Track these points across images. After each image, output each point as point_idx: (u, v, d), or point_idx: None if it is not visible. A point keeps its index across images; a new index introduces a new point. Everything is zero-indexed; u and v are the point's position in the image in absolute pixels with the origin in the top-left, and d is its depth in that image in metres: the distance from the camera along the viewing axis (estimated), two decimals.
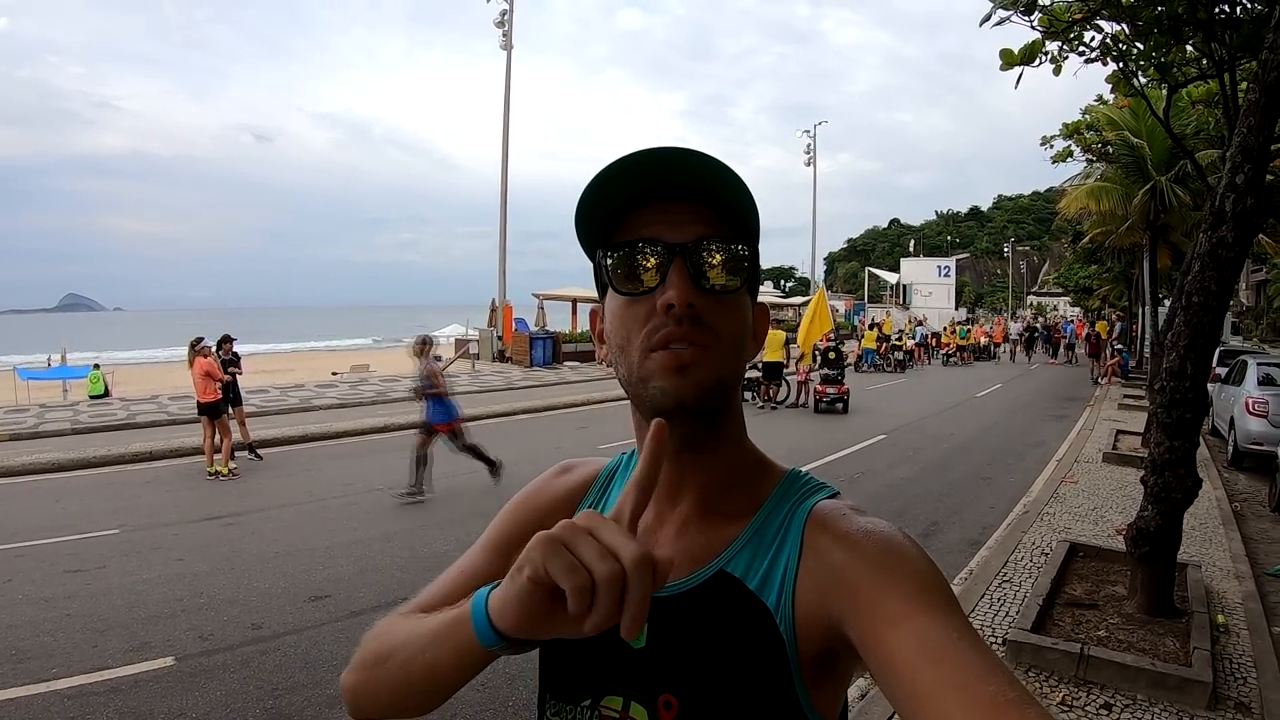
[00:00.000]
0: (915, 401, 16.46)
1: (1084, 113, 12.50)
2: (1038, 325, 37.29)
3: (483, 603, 0.59)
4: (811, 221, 42.18)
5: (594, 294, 0.75)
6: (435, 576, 0.84)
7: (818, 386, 14.64)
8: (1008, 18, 5.30)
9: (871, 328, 27.41)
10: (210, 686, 3.88)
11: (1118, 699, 3.68)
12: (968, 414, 14.68)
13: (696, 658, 0.69)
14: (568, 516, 0.55)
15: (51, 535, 6.52)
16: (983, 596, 5.05)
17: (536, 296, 26.47)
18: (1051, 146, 11.40)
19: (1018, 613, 4.60)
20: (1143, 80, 6.53)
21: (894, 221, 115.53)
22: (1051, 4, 5.37)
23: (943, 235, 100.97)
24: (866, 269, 73.05)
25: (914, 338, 28.66)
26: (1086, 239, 20.06)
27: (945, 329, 30.86)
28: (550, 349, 23.25)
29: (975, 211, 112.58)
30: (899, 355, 25.35)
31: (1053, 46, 5.59)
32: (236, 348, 10.78)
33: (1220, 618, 4.63)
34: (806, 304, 17.11)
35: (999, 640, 4.30)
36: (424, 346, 8.01)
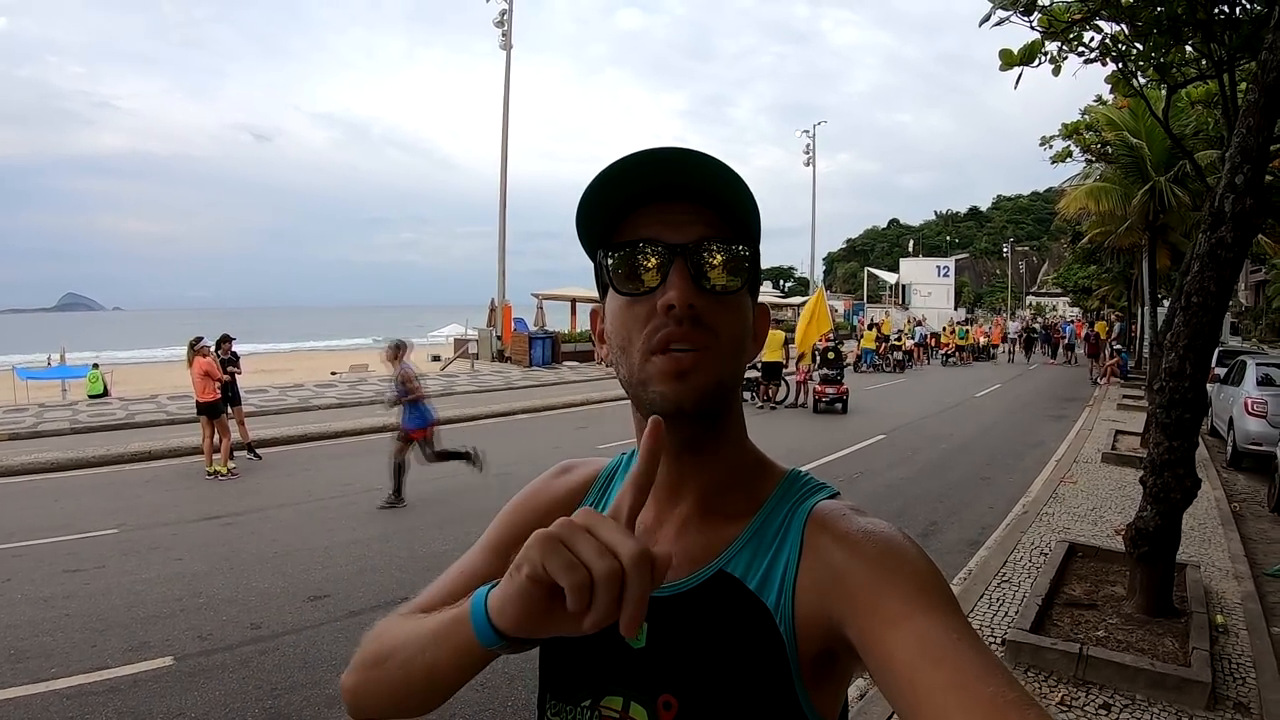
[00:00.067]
0: (914, 402, 16.47)
1: (1083, 113, 12.51)
2: (1036, 325, 37.30)
3: (482, 602, 0.59)
4: (811, 221, 42.24)
5: (594, 294, 0.75)
6: (434, 576, 0.84)
7: (817, 386, 14.64)
8: (1007, 18, 5.30)
9: (870, 328, 27.40)
10: (209, 686, 3.88)
11: (1117, 699, 3.68)
12: (967, 414, 14.69)
13: (696, 658, 0.69)
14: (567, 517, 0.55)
15: (50, 535, 6.51)
16: (981, 597, 5.05)
17: (536, 296, 26.46)
18: (1051, 147, 11.41)
19: (1017, 613, 4.60)
20: (1142, 81, 6.54)
21: (893, 222, 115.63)
22: (1051, 4, 5.37)
23: (942, 235, 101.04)
24: (865, 269, 73.04)
25: (913, 338, 28.66)
26: (1086, 239, 20.08)
27: (944, 329, 30.86)
28: (549, 349, 23.24)
29: (974, 212, 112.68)
30: (898, 355, 25.35)
31: (1052, 47, 5.60)
32: (235, 347, 10.77)
33: (1219, 618, 4.64)
34: (805, 304, 17.09)
35: (998, 640, 4.30)
36: (397, 351, 7.73)
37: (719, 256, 0.68)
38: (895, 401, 16.53)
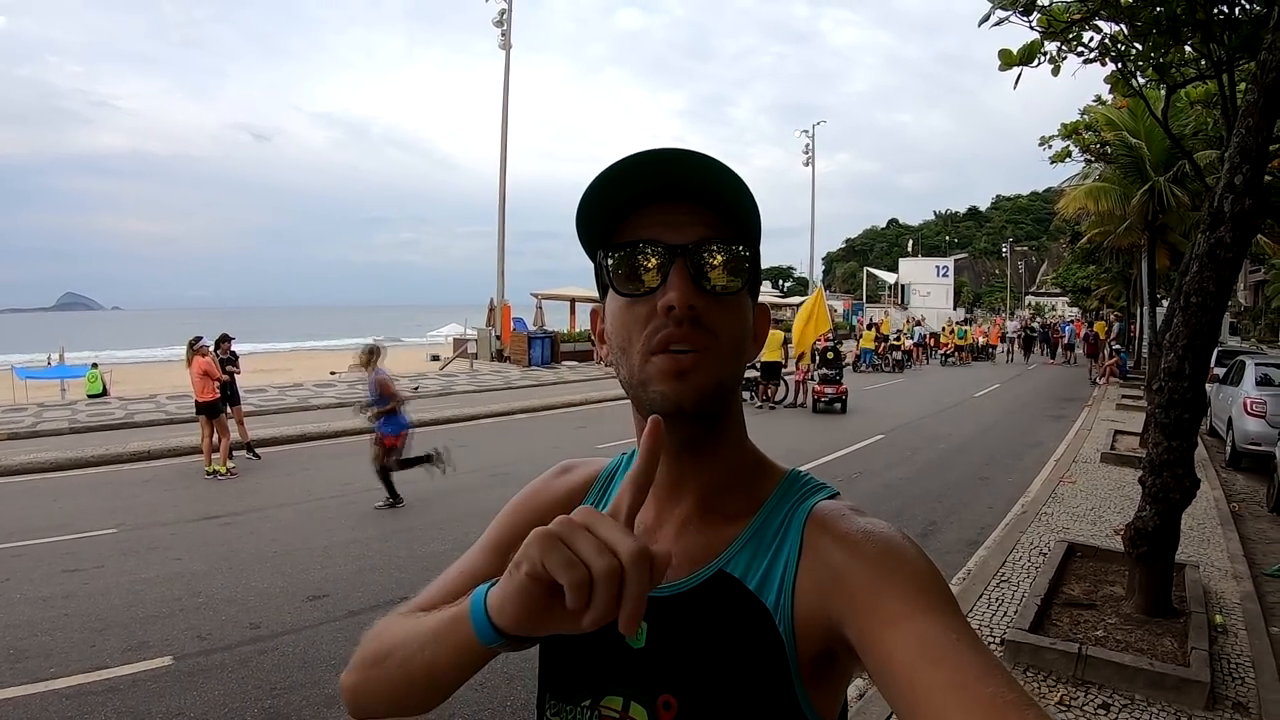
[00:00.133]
0: (913, 402, 16.47)
1: (1082, 113, 12.52)
2: (1034, 325, 37.31)
3: (481, 600, 0.59)
4: (810, 221, 42.25)
5: (593, 293, 0.75)
6: (434, 576, 0.84)
7: (816, 386, 14.64)
8: (1006, 18, 5.31)
9: (869, 328, 27.45)
10: (208, 686, 3.87)
11: (1116, 699, 3.68)
12: (966, 414, 14.69)
13: (696, 658, 0.69)
14: None
15: (49, 535, 6.51)
16: (980, 597, 5.06)
17: (535, 296, 26.46)
18: (1050, 147, 11.41)
19: (1016, 613, 4.61)
20: (1141, 81, 6.55)
21: (892, 221, 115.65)
22: (1050, 4, 5.38)
23: (941, 235, 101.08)
24: (865, 269, 73.07)
25: (912, 338, 28.67)
26: (1085, 239, 20.08)
27: (943, 329, 30.88)
28: (548, 348, 23.24)
29: (974, 212, 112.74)
30: (897, 355, 25.36)
31: (1051, 47, 5.61)
32: (235, 347, 10.77)
33: (1218, 618, 4.64)
34: (803, 304, 17.08)
35: (997, 640, 4.30)
36: (371, 357, 7.53)
37: (719, 257, 0.68)
38: (894, 401, 16.53)
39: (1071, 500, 7.72)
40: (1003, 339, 32.74)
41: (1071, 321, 41.71)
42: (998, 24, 5.34)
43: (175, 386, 16.41)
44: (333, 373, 22.26)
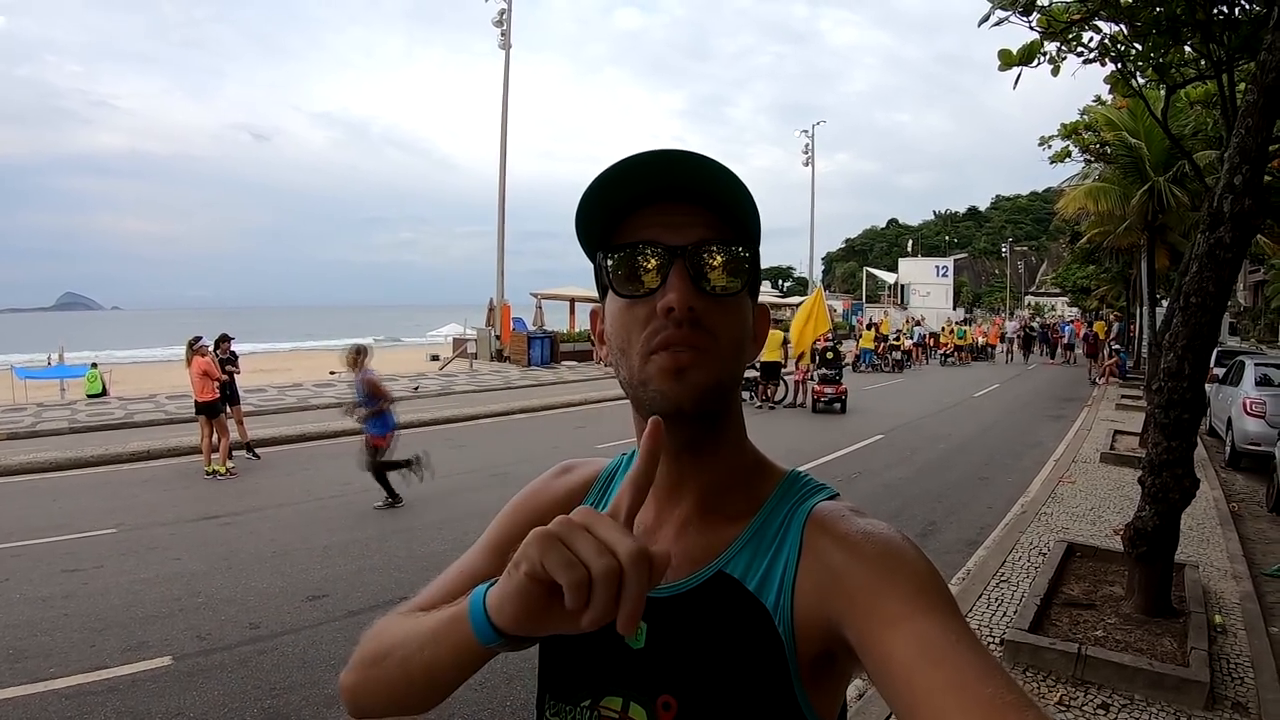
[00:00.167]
0: (913, 402, 16.48)
1: (1082, 113, 12.53)
2: (1034, 325, 37.31)
3: (480, 600, 0.59)
4: (810, 221, 42.26)
5: (592, 293, 0.76)
6: (433, 576, 0.84)
7: (815, 386, 14.65)
8: (1006, 18, 5.31)
9: (869, 328, 27.45)
10: (208, 686, 3.87)
11: (1115, 699, 3.69)
12: (965, 414, 14.70)
13: (695, 659, 0.69)
14: None
15: (48, 534, 6.50)
16: (980, 596, 5.06)
17: (534, 296, 26.46)
18: (1050, 147, 11.43)
19: (1015, 613, 4.61)
20: (1141, 81, 6.55)
21: (892, 221, 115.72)
22: (1050, 4, 5.38)
23: (941, 235, 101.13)
24: (864, 269, 73.11)
25: (911, 338, 28.68)
26: (1084, 239, 20.11)
27: (943, 329, 30.89)
28: (548, 348, 23.24)
29: (973, 211, 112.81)
30: (896, 355, 25.38)
31: (1051, 47, 5.61)
32: (234, 347, 10.77)
33: (1217, 618, 4.64)
34: (802, 303, 17.06)
35: (996, 640, 4.30)
36: (358, 356, 7.47)
37: (719, 258, 0.68)
38: (893, 401, 16.54)
39: (1071, 500, 7.73)
40: (1002, 339, 32.74)
41: (1071, 321, 41.70)
42: (997, 24, 5.34)
43: (175, 386, 16.40)
44: (332, 372, 22.23)
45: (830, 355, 14.76)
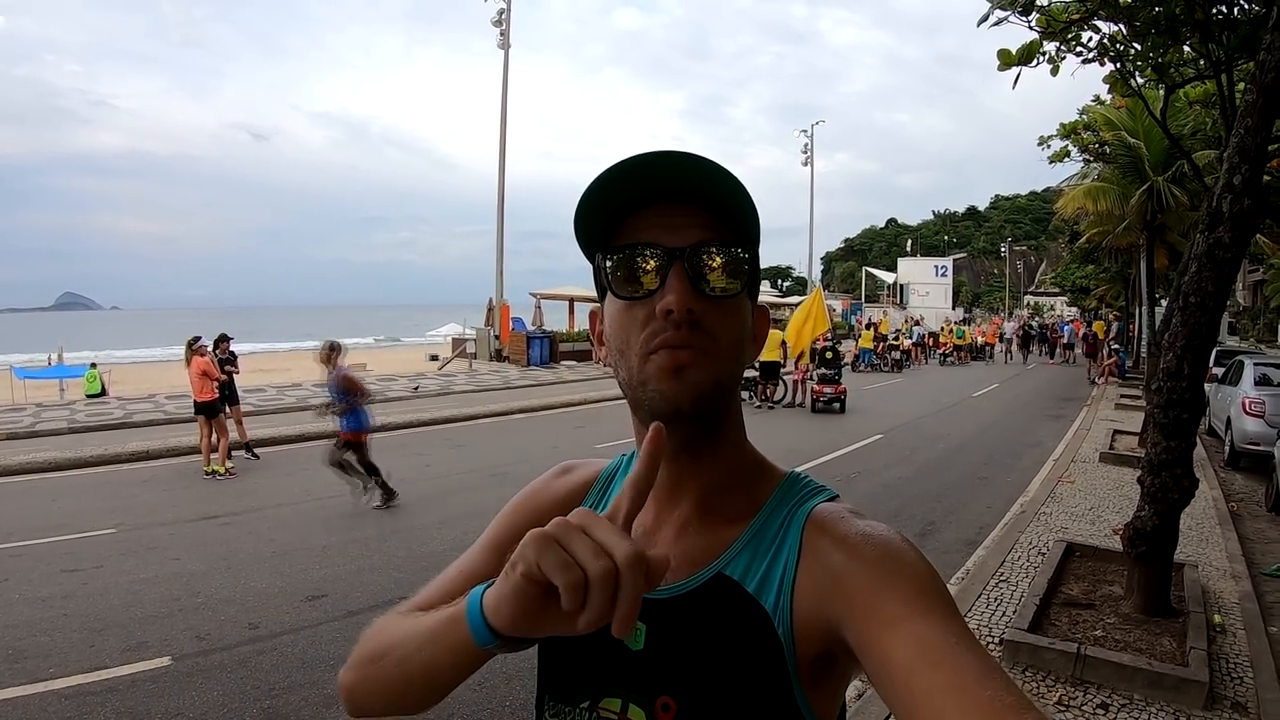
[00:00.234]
0: (912, 401, 16.48)
1: (1081, 113, 12.56)
2: (1032, 324, 37.32)
3: (478, 601, 0.60)
4: (809, 221, 42.28)
5: (592, 293, 0.76)
6: (432, 576, 0.84)
7: (815, 386, 14.65)
8: (1005, 18, 5.31)
9: (868, 327, 27.47)
10: (207, 686, 3.87)
11: (1114, 699, 3.69)
12: (964, 414, 14.70)
13: (695, 660, 0.69)
14: None
15: (48, 535, 6.50)
16: (979, 596, 5.06)
17: (534, 296, 26.47)
18: (1049, 147, 11.45)
19: (1014, 612, 4.61)
20: (1140, 80, 6.56)
21: (891, 221, 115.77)
22: (1049, 4, 5.38)
23: (940, 235, 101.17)
24: (863, 269, 73.16)
25: (910, 337, 28.70)
26: (1084, 239, 20.14)
27: (942, 329, 30.90)
28: (547, 348, 23.25)
29: (972, 211, 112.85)
30: (896, 355, 25.39)
31: (1050, 47, 5.61)
32: (233, 347, 10.77)
33: (1217, 617, 4.64)
34: (801, 303, 17.04)
35: (996, 640, 4.30)
36: (331, 354, 7.43)
37: (718, 260, 0.68)
38: (893, 401, 16.54)
39: (1070, 500, 7.73)
40: (1000, 339, 32.73)
41: (1070, 321, 41.73)
42: (997, 24, 5.35)
43: (174, 386, 16.40)
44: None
45: (829, 355, 14.76)
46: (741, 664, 0.68)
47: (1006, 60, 5.44)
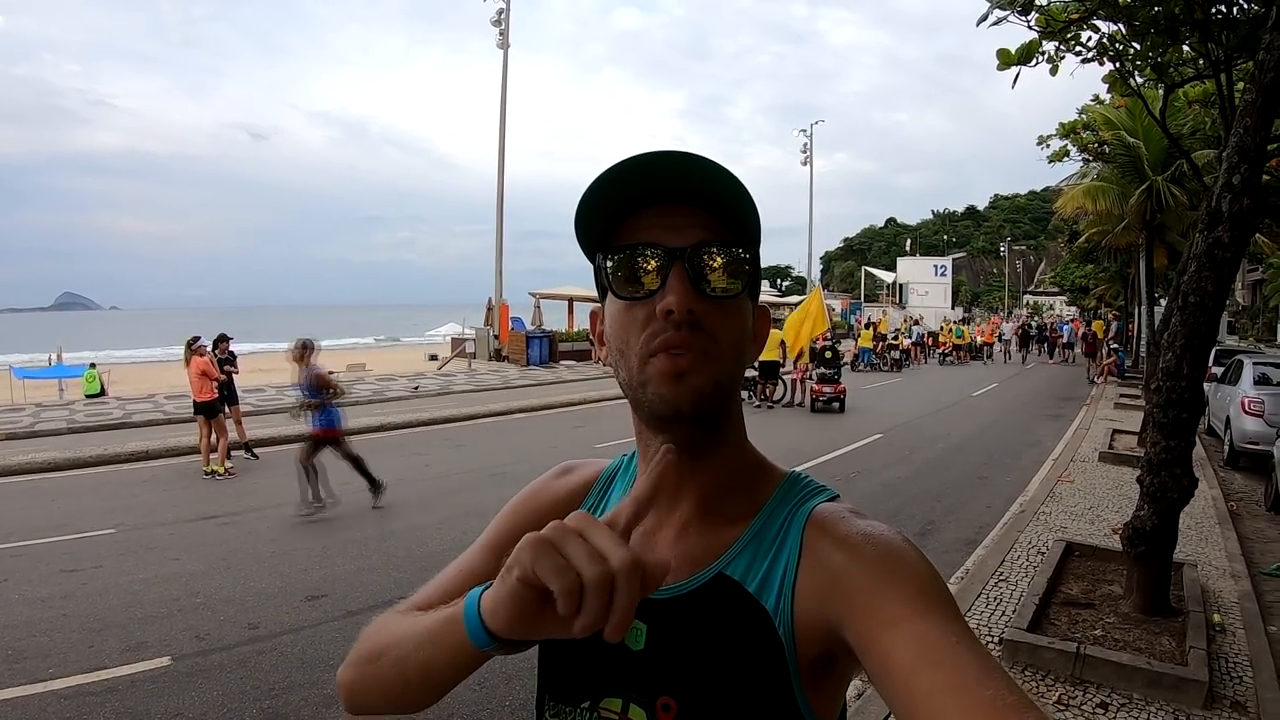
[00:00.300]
0: (911, 401, 16.49)
1: (1080, 112, 12.55)
2: (1031, 324, 37.32)
3: (475, 603, 0.60)
4: (808, 221, 42.30)
5: (591, 293, 0.75)
6: (432, 576, 0.84)
7: (814, 385, 14.65)
8: (1005, 18, 5.31)
9: (868, 327, 27.49)
10: (207, 686, 3.87)
11: (1114, 698, 3.69)
12: (964, 413, 14.71)
13: (695, 660, 0.69)
14: None
15: (47, 535, 6.50)
16: (979, 596, 5.06)
17: (533, 295, 26.48)
18: (1048, 146, 11.45)
19: (1014, 612, 4.61)
20: (1139, 80, 6.55)
21: (890, 221, 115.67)
22: (1048, 4, 5.38)
23: (939, 235, 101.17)
24: (863, 268, 73.16)
25: (910, 337, 28.71)
26: (1083, 238, 20.18)
27: (941, 328, 30.90)
28: (547, 348, 23.26)
29: (972, 211, 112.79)
30: (895, 354, 25.40)
31: (1049, 46, 5.61)
32: (233, 347, 10.76)
33: (1216, 617, 4.65)
34: (800, 303, 17.03)
35: (995, 639, 4.30)
36: (304, 352, 7.43)
37: (718, 260, 0.68)
38: (892, 401, 16.55)
39: (1070, 499, 7.73)
40: (999, 338, 32.71)
41: (1070, 320, 41.73)
42: (996, 24, 5.35)
43: (173, 386, 16.39)
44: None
45: (829, 354, 14.77)
46: (742, 664, 0.68)
47: (1006, 60, 5.44)
